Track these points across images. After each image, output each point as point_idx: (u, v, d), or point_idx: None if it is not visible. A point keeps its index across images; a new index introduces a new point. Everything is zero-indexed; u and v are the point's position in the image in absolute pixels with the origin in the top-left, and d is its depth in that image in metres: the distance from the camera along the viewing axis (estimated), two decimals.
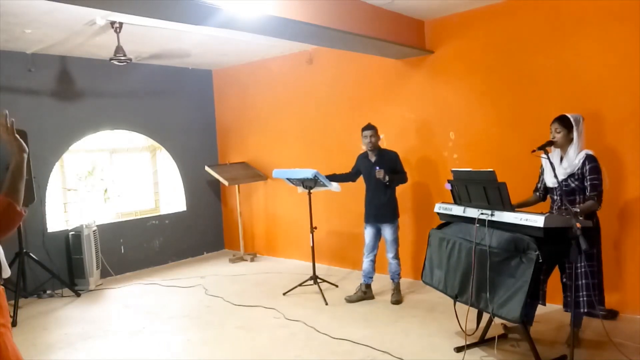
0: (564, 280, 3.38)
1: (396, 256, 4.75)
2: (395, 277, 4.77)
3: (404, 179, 4.75)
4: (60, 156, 5.91)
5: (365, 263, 4.82)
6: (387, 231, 4.72)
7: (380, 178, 4.56)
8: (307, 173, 4.78)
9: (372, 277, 4.85)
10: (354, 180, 4.98)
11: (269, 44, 5.64)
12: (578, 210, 3.10)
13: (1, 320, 1.91)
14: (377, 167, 4.59)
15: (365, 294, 4.84)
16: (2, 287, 1.96)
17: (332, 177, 4.91)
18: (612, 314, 4.01)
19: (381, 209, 4.70)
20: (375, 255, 4.83)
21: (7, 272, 2.04)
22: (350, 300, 4.81)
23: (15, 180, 1.82)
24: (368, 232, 4.81)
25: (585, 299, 3.23)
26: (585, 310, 3.25)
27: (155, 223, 6.77)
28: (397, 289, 4.76)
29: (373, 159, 4.72)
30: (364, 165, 4.80)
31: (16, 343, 2.00)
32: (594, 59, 4.11)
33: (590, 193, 3.24)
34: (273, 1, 3.43)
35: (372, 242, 4.81)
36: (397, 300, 4.69)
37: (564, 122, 3.35)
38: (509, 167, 4.32)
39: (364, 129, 4.71)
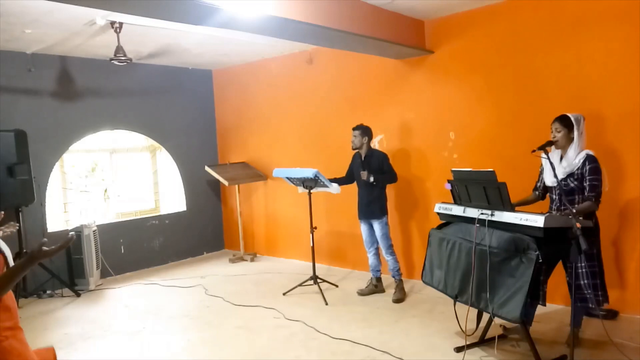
0: (568, 279, 3.37)
1: (389, 252, 4.81)
2: (396, 275, 4.82)
3: (391, 179, 4.81)
4: (60, 156, 5.91)
5: (370, 258, 4.98)
6: (376, 227, 4.83)
7: (364, 178, 4.71)
8: (308, 172, 4.81)
9: (379, 271, 4.98)
10: (352, 182, 5.03)
11: (269, 44, 5.64)
12: (574, 210, 3.10)
13: (7, 323, 1.92)
14: (362, 169, 4.75)
15: (377, 287, 4.99)
16: None
17: (333, 181, 4.97)
18: (612, 314, 4.01)
19: (369, 206, 4.82)
20: (376, 249, 4.93)
21: None
22: (362, 293, 4.94)
23: (10, 278, 1.87)
24: (362, 229, 4.95)
25: (592, 296, 3.23)
26: (593, 305, 3.24)
27: (155, 223, 6.77)
28: (399, 287, 4.80)
29: (362, 159, 4.85)
30: (355, 164, 4.94)
31: None
32: (594, 59, 4.10)
33: (588, 193, 3.24)
34: (273, 1, 3.43)
35: (368, 237, 4.93)
36: (399, 298, 4.71)
37: (564, 121, 3.35)
38: (509, 167, 4.32)
39: (352, 129, 4.85)
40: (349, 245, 5.99)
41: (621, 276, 4.09)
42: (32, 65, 5.53)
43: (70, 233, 2.01)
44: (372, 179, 4.67)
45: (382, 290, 4.98)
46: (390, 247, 4.81)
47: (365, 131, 4.80)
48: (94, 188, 6.51)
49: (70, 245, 5.66)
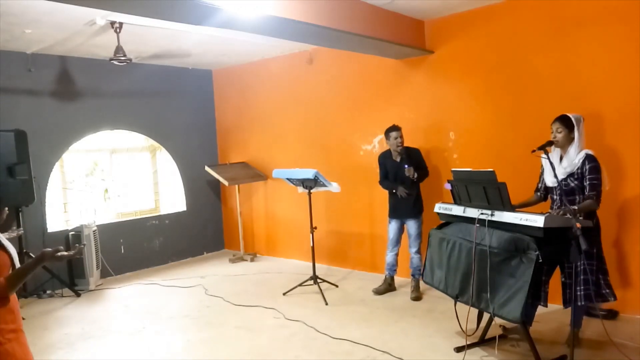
0: (564, 279, 3.37)
1: (418, 251, 4.83)
2: (417, 273, 4.85)
3: (427, 174, 4.86)
4: (60, 156, 5.91)
5: (389, 257, 4.97)
6: (411, 226, 4.81)
7: (410, 176, 4.62)
8: (308, 173, 4.80)
9: (395, 270, 5.01)
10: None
11: (269, 44, 5.64)
12: (576, 208, 3.10)
13: (11, 325, 1.96)
14: (406, 166, 4.63)
15: (390, 285, 5.02)
16: None
17: (387, 185, 4.89)
18: (612, 314, 4.02)
19: (408, 205, 4.77)
20: (398, 250, 4.94)
21: None
22: (378, 292, 4.97)
23: (22, 274, 1.98)
24: (392, 227, 4.91)
25: (582, 292, 3.22)
26: (582, 303, 3.24)
27: (155, 223, 6.77)
28: (417, 286, 4.83)
29: (398, 158, 4.77)
30: (390, 165, 4.85)
31: None
32: (594, 59, 4.10)
33: (589, 192, 3.24)
34: (273, 1, 3.43)
35: (395, 237, 4.91)
36: (417, 296, 4.75)
37: (565, 121, 3.35)
38: (509, 167, 4.32)
39: (390, 131, 4.74)
40: (349, 245, 5.99)
41: (621, 276, 4.09)
42: (32, 65, 5.53)
43: (83, 243, 2.15)
44: (416, 176, 4.64)
45: (395, 289, 5.02)
46: (420, 246, 4.81)
47: (401, 129, 4.74)
48: (94, 188, 6.51)
49: (71, 245, 5.70)
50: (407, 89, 5.32)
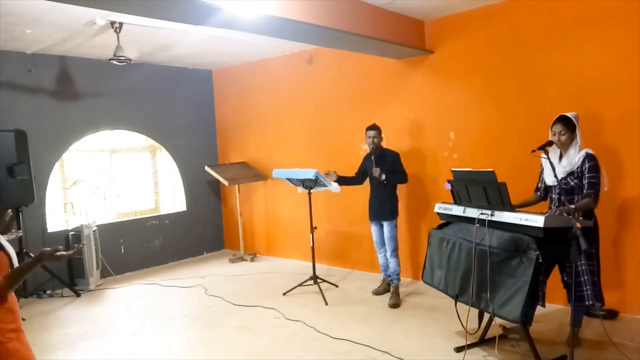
0: (565, 278, 3.37)
1: (394, 254, 4.77)
2: (395, 279, 4.76)
3: (402, 179, 4.78)
4: (60, 156, 5.91)
5: (380, 259, 4.96)
6: (385, 228, 4.78)
7: (376, 176, 4.64)
8: (308, 173, 4.79)
9: None
10: (361, 183, 4.96)
11: (269, 44, 5.64)
12: (573, 207, 3.10)
13: (11, 325, 1.99)
14: (374, 166, 4.66)
15: (389, 285, 4.96)
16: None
17: (341, 180, 4.87)
18: (612, 314, 4.02)
19: (381, 207, 4.77)
20: (386, 250, 4.90)
21: None
22: (377, 293, 4.98)
23: (21, 273, 2.01)
24: (373, 230, 4.90)
25: (590, 292, 3.23)
26: (591, 302, 3.23)
27: (155, 223, 6.77)
28: (395, 292, 4.73)
29: (375, 156, 4.75)
30: (368, 165, 4.84)
31: None
32: (593, 59, 4.11)
33: (587, 190, 3.24)
34: (273, 1, 3.43)
35: (378, 238, 4.89)
36: (395, 303, 4.63)
37: (567, 123, 3.33)
38: (509, 167, 4.32)
39: (367, 129, 4.75)
40: (349, 245, 5.99)
41: (621, 276, 4.09)
42: (32, 65, 5.53)
43: (82, 243, 2.18)
44: (383, 177, 4.63)
45: None
46: (395, 250, 4.78)
47: (380, 130, 4.75)
48: (94, 188, 6.51)
49: (71, 245, 5.70)
50: (407, 89, 5.32)
